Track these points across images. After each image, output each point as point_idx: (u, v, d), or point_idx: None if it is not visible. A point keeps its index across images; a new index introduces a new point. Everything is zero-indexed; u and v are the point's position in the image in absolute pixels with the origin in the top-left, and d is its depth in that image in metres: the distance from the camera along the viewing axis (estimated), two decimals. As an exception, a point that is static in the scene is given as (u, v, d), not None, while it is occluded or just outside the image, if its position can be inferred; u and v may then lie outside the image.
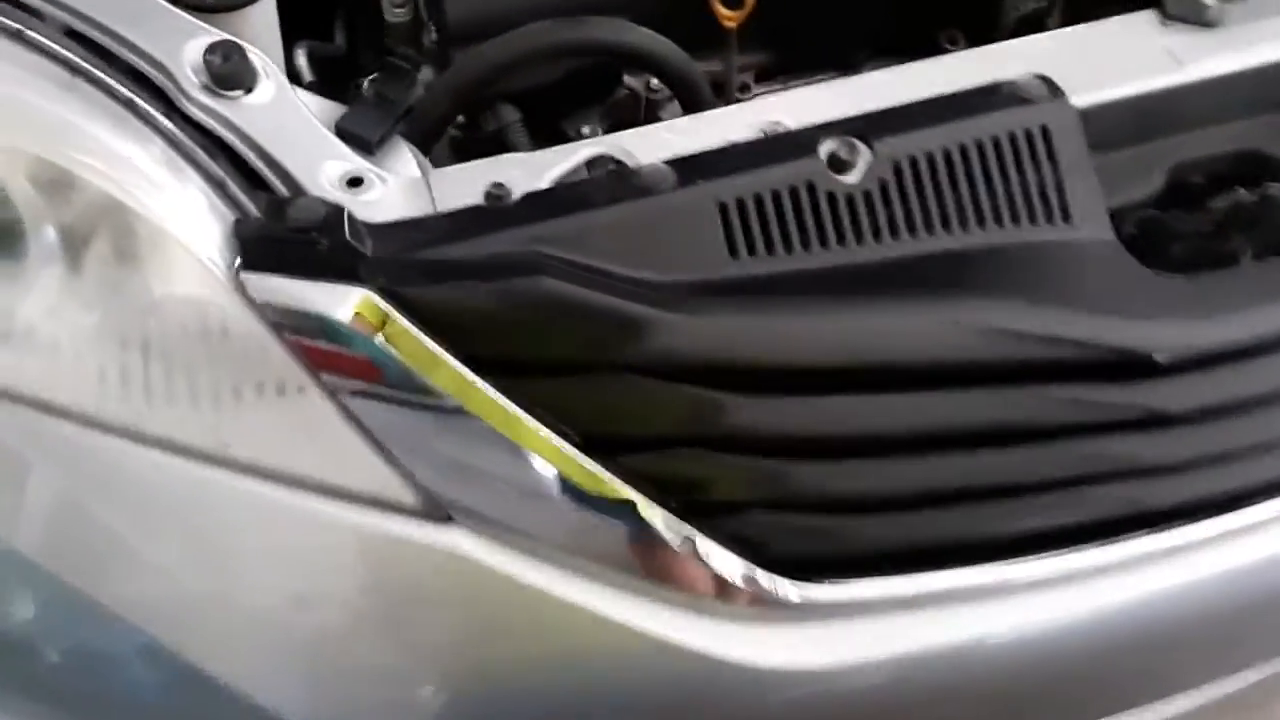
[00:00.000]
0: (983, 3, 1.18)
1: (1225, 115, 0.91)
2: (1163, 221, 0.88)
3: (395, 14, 1.17)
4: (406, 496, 0.82)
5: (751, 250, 0.82)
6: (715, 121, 0.87)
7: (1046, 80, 0.86)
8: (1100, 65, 0.89)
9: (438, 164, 0.90)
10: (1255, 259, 0.90)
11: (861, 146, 0.83)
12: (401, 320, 0.77)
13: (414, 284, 0.77)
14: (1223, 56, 0.89)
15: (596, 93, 1.11)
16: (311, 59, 1.20)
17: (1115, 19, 0.92)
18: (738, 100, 1.20)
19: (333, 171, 0.81)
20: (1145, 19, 0.92)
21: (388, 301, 0.76)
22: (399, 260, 0.77)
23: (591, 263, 0.79)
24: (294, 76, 1.17)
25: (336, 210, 0.78)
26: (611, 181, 0.81)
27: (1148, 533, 0.87)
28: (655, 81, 1.14)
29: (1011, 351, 0.82)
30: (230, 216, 0.78)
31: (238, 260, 0.76)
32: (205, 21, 0.86)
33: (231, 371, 0.79)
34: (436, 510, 0.82)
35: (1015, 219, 0.84)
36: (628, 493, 0.79)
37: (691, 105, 1.03)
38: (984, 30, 1.23)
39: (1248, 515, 0.88)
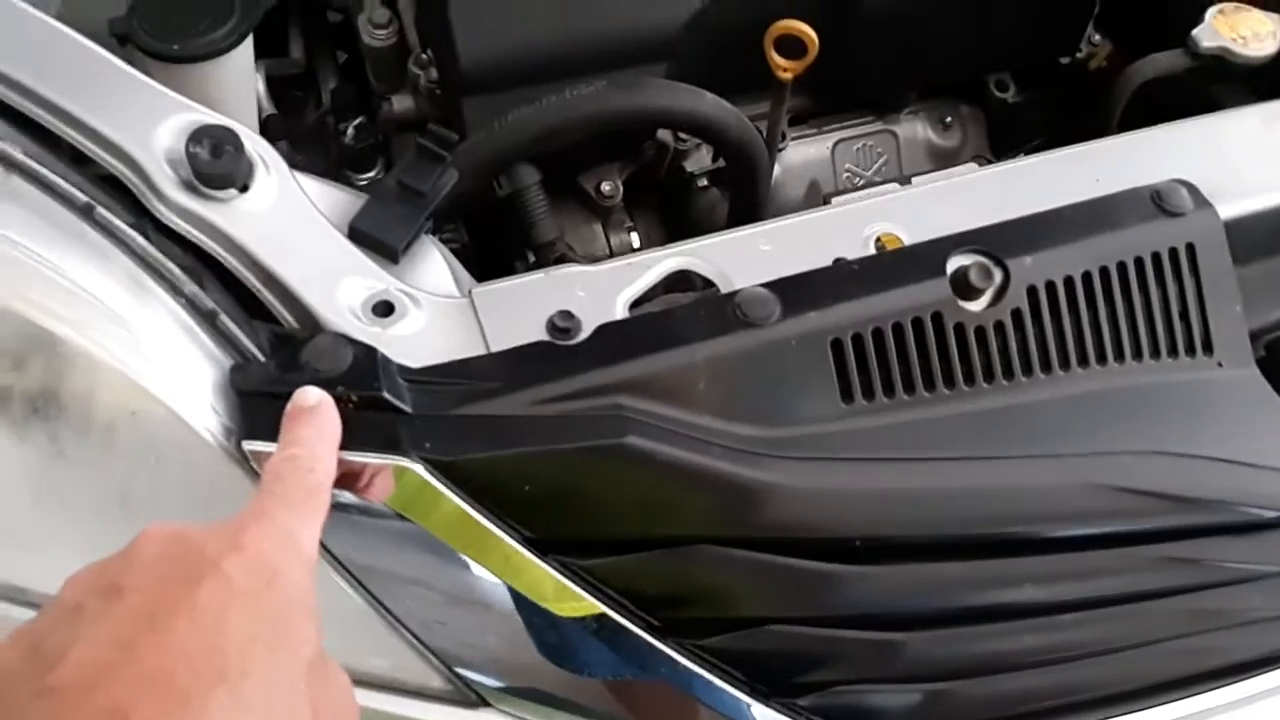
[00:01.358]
0: (1035, 47, 1.07)
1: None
2: (1296, 347, 0.78)
3: (375, 37, 0.98)
4: (434, 681, 0.68)
5: (869, 394, 0.68)
6: (814, 229, 0.72)
7: (1190, 187, 0.74)
8: (1241, 165, 0.77)
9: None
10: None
11: (993, 267, 0.70)
12: (453, 498, 0.60)
13: (468, 450, 0.60)
14: (1366, 159, 0.79)
15: (622, 147, 0.95)
16: (270, 82, 1.01)
17: (1251, 108, 0.81)
18: (781, 150, 1.07)
19: (354, 294, 0.63)
20: (1280, 111, 0.82)
21: (435, 475, 0.60)
22: (448, 420, 0.61)
23: (684, 415, 0.65)
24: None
25: (365, 352, 0.61)
26: (705, 311, 0.66)
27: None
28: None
29: (1146, 511, 0.72)
30: (225, 362, 0.60)
31: (238, 426, 0.59)
32: (175, 77, 0.67)
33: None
34: (468, 697, 0.68)
35: (1155, 352, 0.73)
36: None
37: (747, 179, 0.89)
38: (1032, 77, 1.13)
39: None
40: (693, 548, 0.66)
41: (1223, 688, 0.77)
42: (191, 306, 0.59)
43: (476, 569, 0.63)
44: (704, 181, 1.03)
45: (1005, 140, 1.14)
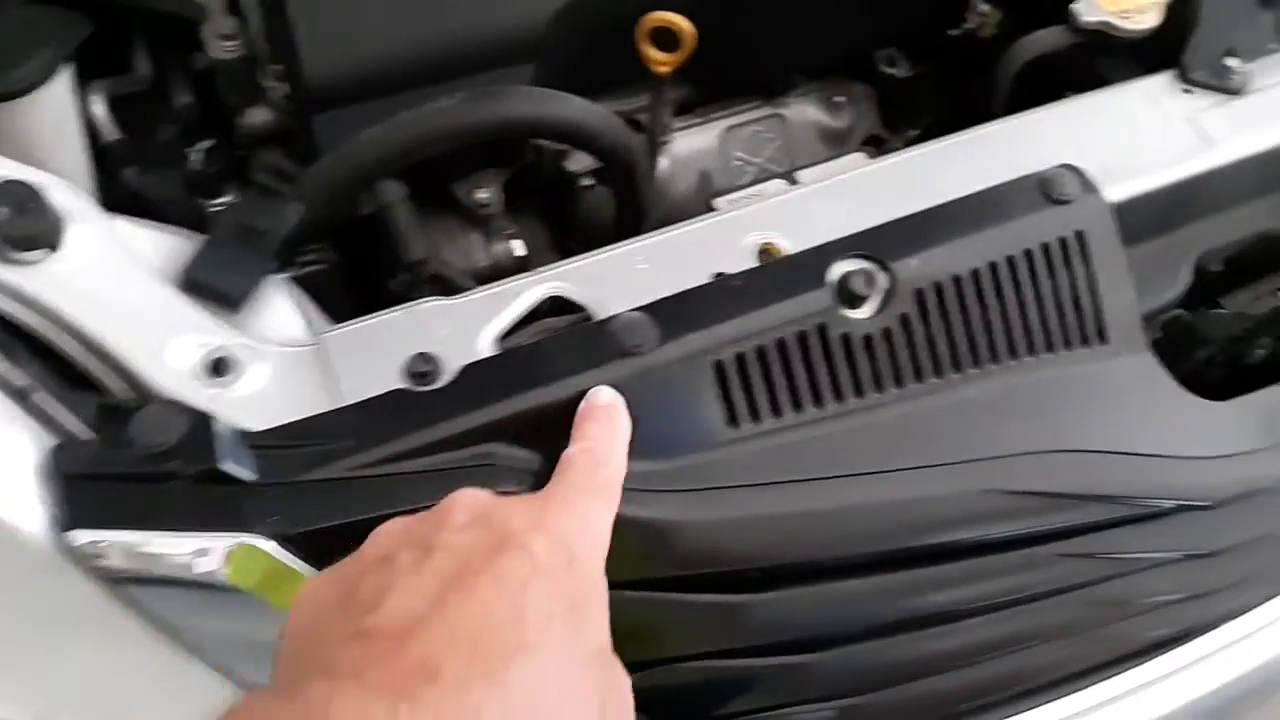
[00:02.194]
0: (921, 21, 1.03)
1: (1246, 194, 0.80)
2: (1191, 326, 0.76)
3: (223, 49, 0.91)
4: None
5: (755, 416, 0.64)
6: (692, 242, 0.68)
7: (1077, 172, 0.72)
8: (1127, 145, 0.75)
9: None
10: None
11: (878, 272, 0.67)
12: (305, 571, 0.56)
13: (321, 519, 0.55)
14: (1252, 133, 0.77)
15: (498, 153, 0.90)
16: (113, 104, 0.93)
17: (1135, 85, 0.78)
18: (663, 145, 1.02)
19: (188, 353, 0.58)
20: (1165, 85, 0.78)
21: (287, 549, 0.55)
22: (297, 486, 0.56)
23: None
24: (91, 132, 0.91)
25: (200, 420, 0.55)
26: (578, 342, 0.61)
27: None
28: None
29: (1042, 511, 0.69)
30: (45, 442, 0.54)
31: (64, 514, 0.53)
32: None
33: (71, 650, 0.56)
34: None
35: (1050, 346, 0.70)
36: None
37: (626, 182, 0.84)
38: (923, 51, 1.10)
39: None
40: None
41: (1136, 669, 0.77)
42: (3, 384, 0.53)
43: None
44: (589, 181, 0.98)
45: (900, 116, 1.11)
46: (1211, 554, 0.75)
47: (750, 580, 0.64)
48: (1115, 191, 0.73)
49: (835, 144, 1.09)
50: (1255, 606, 0.78)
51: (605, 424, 0.59)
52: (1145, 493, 0.70)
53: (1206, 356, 0.79)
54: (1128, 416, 0.72)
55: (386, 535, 0.49)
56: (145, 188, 0.93)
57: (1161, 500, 0.70)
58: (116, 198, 0.96)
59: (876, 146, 1.09)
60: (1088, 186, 0.72)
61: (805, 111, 1.07)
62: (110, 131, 0.91)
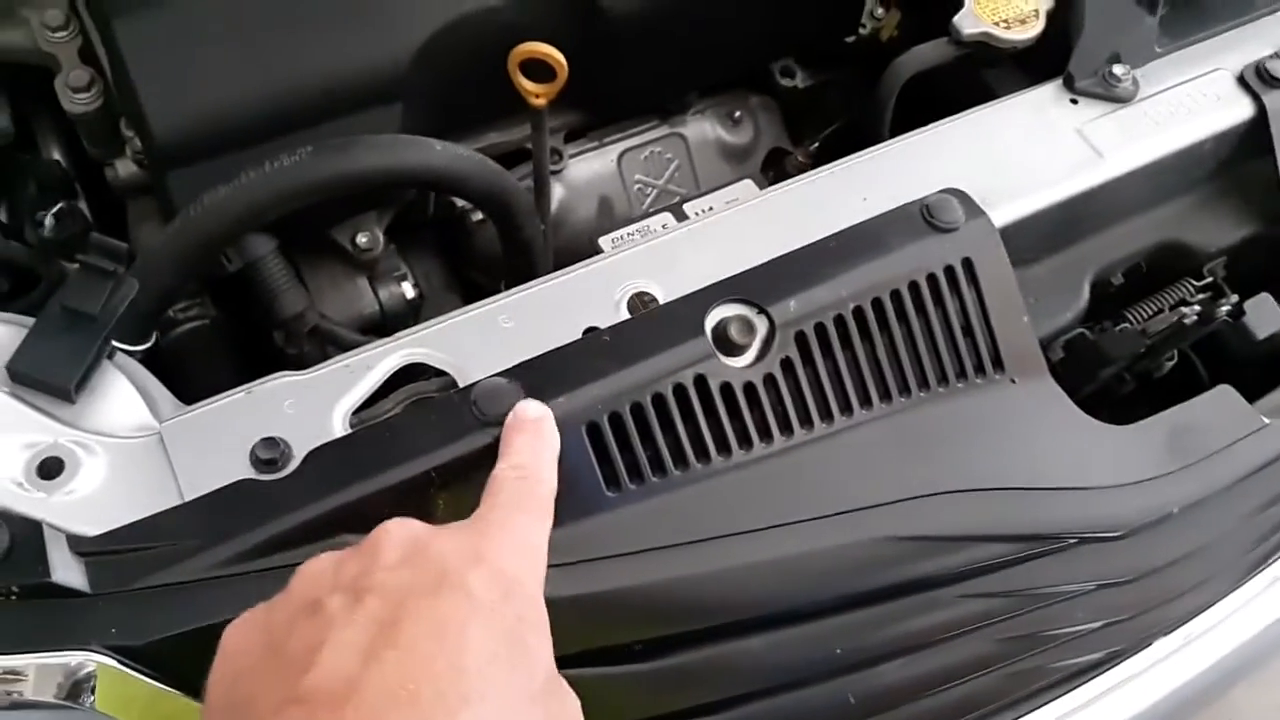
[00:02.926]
0: (814, 30, 1.00)
1: (1141, 204, 0.78)
2: (1095, 345, 0.74)
3: (77, 102, 0.86)
4: None
5: (636, 477, 0.61)
6: (560, 296, 0.64)
7: (962, 196, 0.69)
8: (1014, 163, 0.72)
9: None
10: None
11: (755, 317, 0.64)
12: (150, 684, 0.52)
13: (164, 627, 0.52)
14: (1143, 142, 0.74)
15: (374, 195, 0.86)
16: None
17: (1020, 97, 0.76)
18: (559, 172, 0.98)
19: (12, 455, 0.54)
20: (1051, 96, 0.76)
21: (128, 664, 0.51)
22: (136, 594, 0.52)
23: (422, 539, 0.57)
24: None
25: (27, 529, 0.51)
26: (436, 415, 0.58)
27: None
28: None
29: (940, 553, 0.67)
30: None
31: (-128, 644, 0.49)
32: None
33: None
34: None
35: (943, 379, 0.68)
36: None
37: (507, 222, 0.81)
38: (823, 58, 1.07)
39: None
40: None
41: (1061, 698, 0.75)
42: None
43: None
44: (479, 215, 0.95)
45: (804, 126, 1.08)
46: (1127, 581, 0.74)
47: (635, 651, 0.61)
48: (1003, 213, 0.70)
49: (738, 160, 1.06)
50: (1177, 626, 0.77)
51: (533, 438, 0.57)
52: (1050, 529, 0.68)
53: (1113, 374, 0.78)
54: (1028, 448, 0.70)
55: (314, 576, 0.46)
56: (9, 252, 0.89)
57: (1068, 535, 0.69)
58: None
59: (780, 160, 1.06)
60: (973, 210, 0.69)
61: (705, 129, 1.04)
62: (-37, 184, 0.87)
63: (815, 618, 0.66)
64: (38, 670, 0.50)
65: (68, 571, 0.51)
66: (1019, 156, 0.72)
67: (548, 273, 0.77)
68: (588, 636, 0.59)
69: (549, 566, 0.60)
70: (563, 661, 0.60)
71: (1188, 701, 0.81)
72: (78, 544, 0.53)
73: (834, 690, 0.68)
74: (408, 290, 0.91)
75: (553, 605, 0.59)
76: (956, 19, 0.77)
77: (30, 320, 0.61)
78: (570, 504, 0.61)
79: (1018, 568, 0.69)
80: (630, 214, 1.01)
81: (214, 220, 0.65)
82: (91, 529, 0.54)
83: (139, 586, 0.52)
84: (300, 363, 0.79)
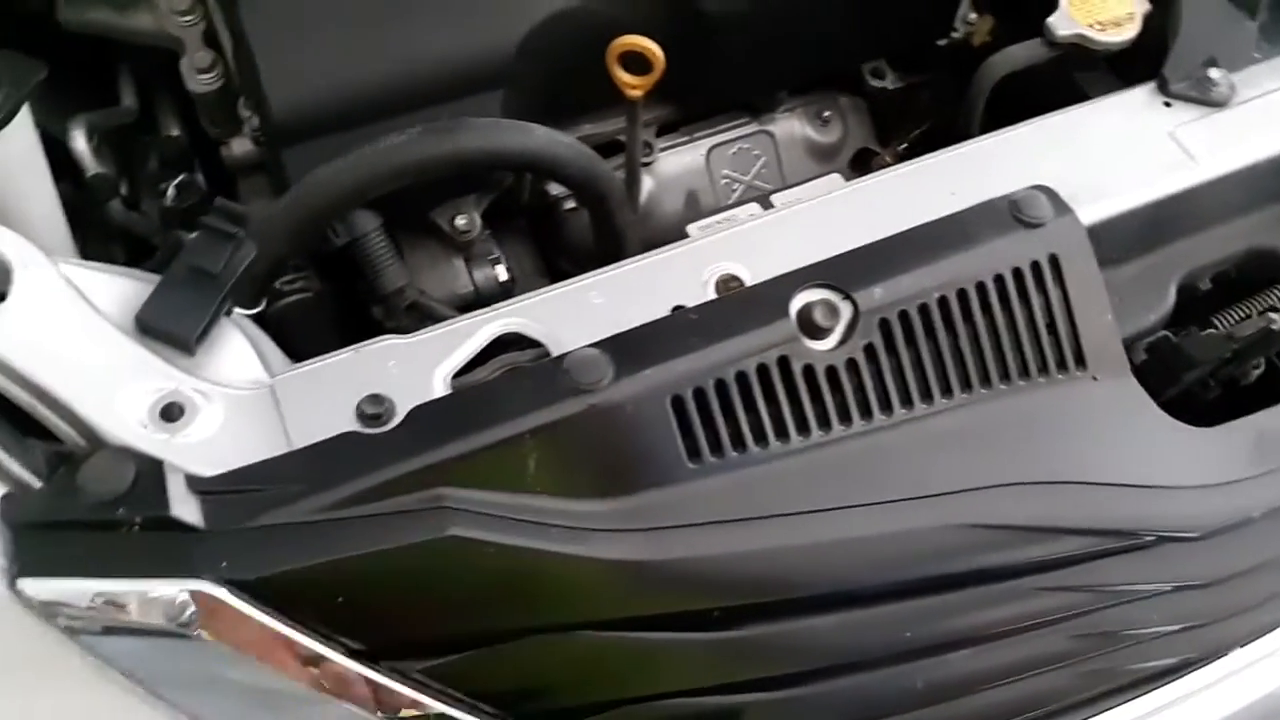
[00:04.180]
0: (908, 33, 1.02)
1: (1233, 210, 0.77)
2: (1178, 349, 0.74)
3: (200, 82, 0.92)
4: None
5: (717, 451, 0.63)
6: (650, 275, 0.67)
7: (1050, 193, 0.70)
8: (1104, 163, 0.73)
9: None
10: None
11: (840, 302, 0.66)
12: (258, 617, 0.56)
13: (271, 564, 0.55)
14: (1236, 147, 0.74)
15: (475, 178, 0.90)
16: (94, 136, 0.94)
17: (1113, 99, 0.76)
18: (649, 164, 1.01)
19: (139, 398, 0.58)
20: (1145, 99, 0.76)
21: (236, 595, 0.55)
22: (245, 532, 0.55)
23: (515, 498, 0.60)
24: (68, 169, 0.92)
25: (150, 467, 0.55)
26: (531, 381, 0.61)
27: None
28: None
29: (1013, 544, 0.68)
30: (-6, 492, 0.55)
31: (12, 563, 0.53)
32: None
33: (27, 696, 0.57)
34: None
35: (1025, 373, 0.69)
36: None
37: (600, 209, 0.83)
38: (914, 61, 1.08)
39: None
40: (541, 636, 0.61)
41: (1131, 702, 0.75)
42: (-50, 435, 0.54)
43: (304, 691, 0.58)
44: (571, 204, 0.98)
45: (893, 128, 1.09)
46: (1203, 585, 0.74)
47: (714, 619, 0.63)
48: (1092, 211, 0.71)
49: (825, 159, 1.08)
50: (1254, 639, 0.77)
51: None
52: (1127, 525, 0.68)
53: (1196, 379, 0.77)
54: (1108, 445, 0.70)
55: None
56: (131, 222, 0.94)
57: (1145, 533, 0.69)
58: (113, 231, 0.98)
59: (867, 160, 1.07)
60: (1061, 208, 0.70)
61: (793, 127, 1.06)
62: (92, 165, 0.93)
63: (888, 600, 0.67)
64: (154, 597, 0.53)
65: (185, 507, 0.55)
66: (1109, 157, 0.73)
67: (635, 261, 0.80)
68: (667, 600, 0.61)
69: (630, 530, 0.62)
70: (642, 623, 0.63)
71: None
72: (194, 483, 0.56)
73: (902, 674, 0.69)
74: (501, 273, 0.94)
75: (634, 567, 0.62)
76: (1051, 20, 0.78)
77: (155, 278, 0.66)
78: (652, 472, 0.64)
79: (1094, 563, 0.69)
80: (716, 208, 1.03)
81: (327, 192, 0.69)
82: (207, 470, 0.57)
83: (249, 525, 0.55)
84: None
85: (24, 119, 0.66)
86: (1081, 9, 0.76)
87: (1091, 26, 0.76)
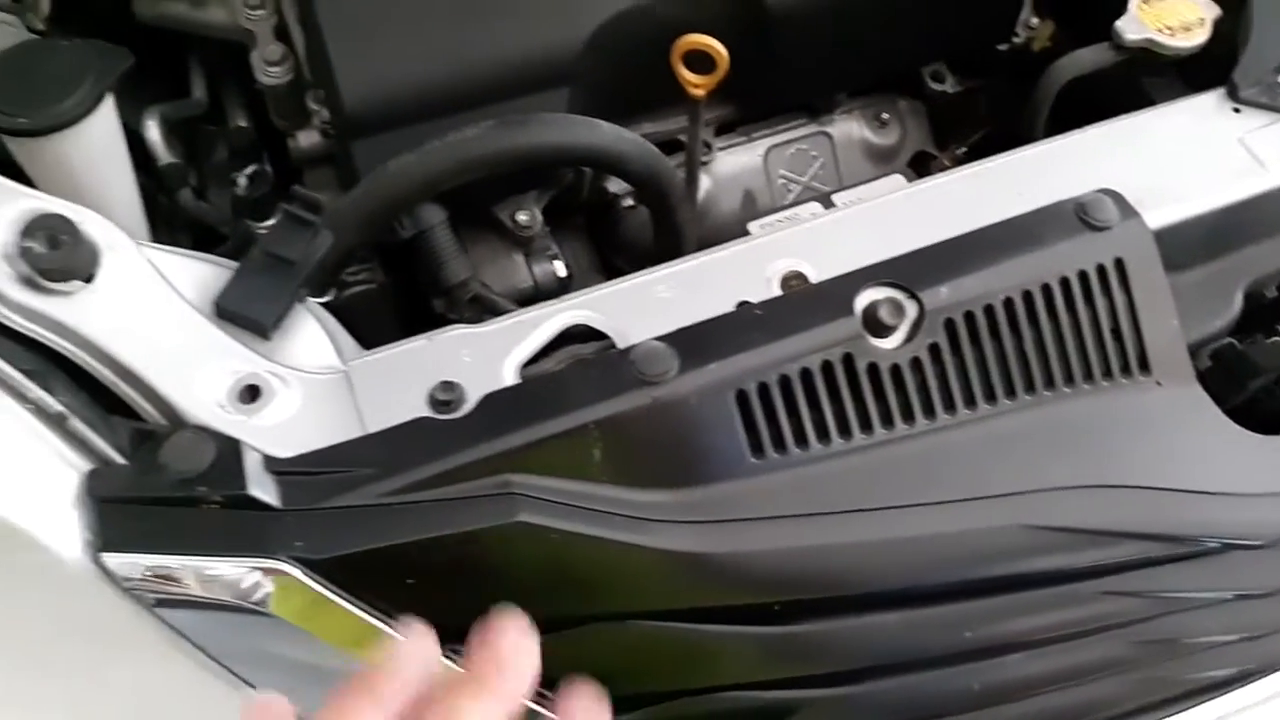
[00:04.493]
0: (970, 36, 1.02)
1: (1301, 216, 0.77)
2: (1243, 355, 0.74)
3: (270, 75, 0.93)
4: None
5: (780, 447, 0.64)
6: (715, 270, 0.68)
7: (1116, 196, 0.70)
8: (1172, 168, 0.73)
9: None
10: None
11: (906, 300, 0.66)
12: (331, 597, 0.57)
13: (344, 545, 0.57)
14: (1309, 152, 0.74)
15: (537, 175, 0.91)
16: (167, 126, 0.96)
17: (1181, 104, 0.76)
18: (707, 164, 1.02)
19: (218, 380, 0.59)
20: (1214, 104, 0.76)
21: (310, 575, 0.56)
22: (320, 513, 0.57)
23: (581, 486, 0.61)
24: (145, 159, 0.94)
25: (229, 446, 0.57)
26: (598, 372, 0.61)
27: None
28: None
29: (1078, 547, 0.68)
30: (81, 467, 0.56)
31: (98, 537, 0.55)
32: (31, 151, 0.63)
33: (105, 667, 0.58)
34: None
35: (1089, 377, 0.68)
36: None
37: (661, 206, 0.84)
38: (973, 65, 1.08)
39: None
40: (601, 625, 0.62)
41: (1189, 710, 0.74)
42: (39, 411, 0.55)
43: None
44: (630, 201, 0.99)
45: (951, 132, 1.09)
46: (1266, 594, 0.73)
47: (774, 613, 0.64)
48: (1158, 216, 0.71)
49: (882, 161, 1.08)
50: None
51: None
52: (1191, 530, 0.68)
53: (1262, 386, 0.77)
54: (1172, 450, 0.70)
55: None
56: (200, 211, 0.97)
57: (1208, 539, 0.68)
58: (181, 219, 1.00)
59: (925, 163, 1.07)
60: (1128, 211, 0.70)
61: (851, 129, 1.06)
62: (165, 155, 0.95)
63: (948, 600, 0.67)
64: (230, 573, 0.55)
65: (262, 487, 0.56)
66: (1177, 162, 0.73)
67: (692, 259, 0.80)
68: (728, 593, 0.62)
69: (692, 522, 0.63)
70: (702, 615, 0.64)
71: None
72: (271, 464, 0.58)
73: (959, 675, 0.69)
74: (559, 269, 0.95)
75: (696, 559, 0.62)
76: (1119, 24, 0.78)
77: (229, 264, 0.67)
78: (715, 465, 0.64)
79: (1155, 569, 0.69)
80: (773, 208, 1.03)
81: (400, 183, 0.70)
82: (283, 451, 0.59)
83: (323, 506, 0.57)
84: (462, 328, 0.84)
85: (108, 107, 0.68)
86: (1150, 13, 0.76)
87: (1161, 31, 0.76)
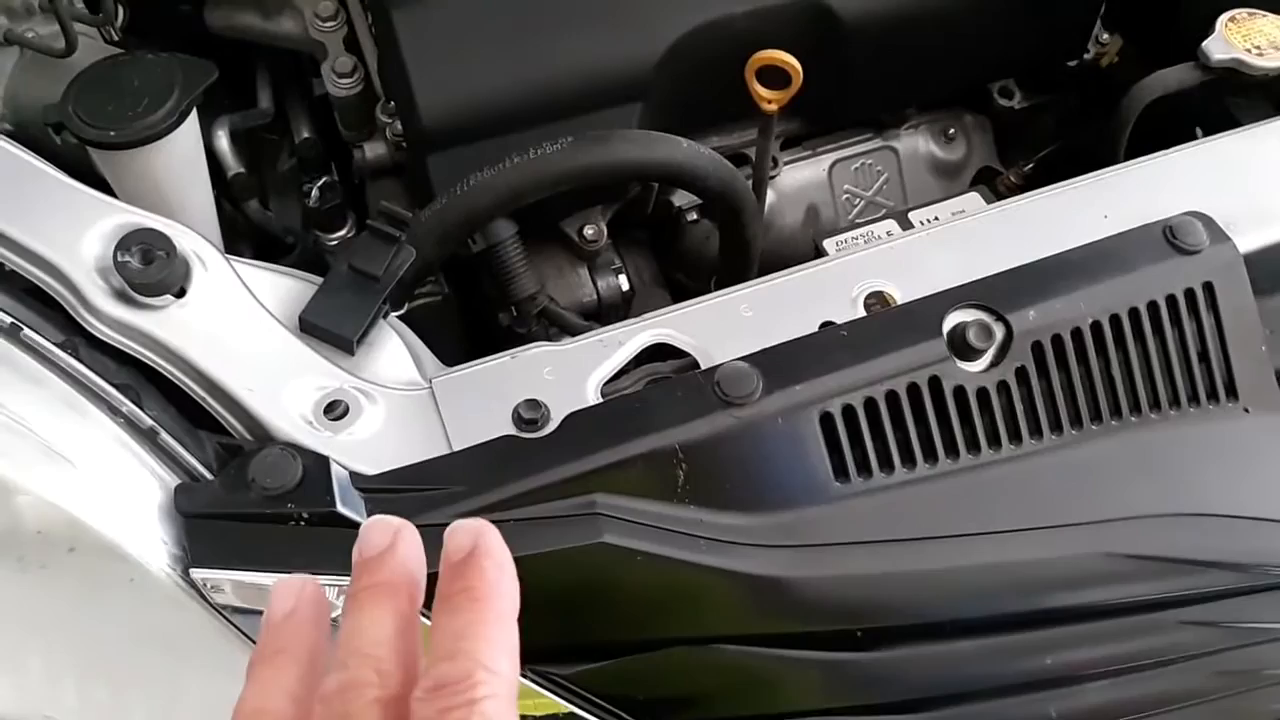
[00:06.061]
0: (1041, 52, 1.00)
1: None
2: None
3: (340, 87, 0.94)
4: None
5: (864, 470, 0.63)
6: (799, 289, 0.67)
7: (1205, 219, 0.69)
8: (1262, 191, 0.71)
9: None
10: None
11: (994, 323, 0.65)
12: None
13: (430, 563, 0.56)
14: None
15: (604, 189, 0.90)
16: (236, 138, 0.97)
17: (1272, 125, 0.74)
18: (773, 178, 1.01)
19: (304, 396, 0.59)
20: (1302, 125, 0.75)
21: (398, 593, 0.56)
22: (408, 531, 0.57)
23: (665, 508, 0.60)
24: (215, 168, 0.95)
25: (317, 463, 0.57)
26: (682, 393, 0.61)
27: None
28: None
29: (1165, 576, 0.67)
30: (169, 481, 0.56)
31: (186, 552, 0.55)
32: (116, 164, 0.63)
33: (189, 679, 0.58)
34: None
35: (1175, 402, 0.67)
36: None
37: (733, 221, 0.84)
38: (1040, 80, 1.07)
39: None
40: (684, 648, 0.62)
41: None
42: (130, 425, 0.56)
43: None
44: (694, 215, 0.98)
45: (1016, 148, 1.08)
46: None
47: (856, 639, 0.63)
48: (1248, 240, 0.69)
49: (948, 177, 1.07)
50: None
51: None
52: (1276, 561, 0.67)
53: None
54: (1258, 479, 0.69)
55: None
56: (266, 221, 0.97)
57: (1294, 568, 0.67)
58: (242, 229, 1.01)
59: (990, 179, 1.06)
60: (1217, 235, 0.68)
61: (917, 144, 1.05)
62: (233, 165, 0.95)
63: (1029, 627, 0.66)
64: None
65: (349, 505, 0.56)
66: (1266, 185, 0.71)
67: (756, 274, 0.80)
68: (810, 618, 0.61)
69: (774, 547, 0.62)
70: (784, 640, 0.63)
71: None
72: (359, 480, 0.58)
73: (1038, 702, 0.68)
74: (623, 283, 0.95)
75: (779, 584, 0.62)
76: (1206, 44, 0.76)
77: (309, 277, 0.67)
78: (798, 489, 0.64)
79: (1239, 599, 0.68)
80: (836, 223, 1.03)
81: (482, 198, 0.70)
82: (369, 468, 0.59)
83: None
84: (528, 341, 0.84)
85: (192, 121, 0.68)
86: (1237, 33, 0.75)
87: (1249, 51, 0.75)
